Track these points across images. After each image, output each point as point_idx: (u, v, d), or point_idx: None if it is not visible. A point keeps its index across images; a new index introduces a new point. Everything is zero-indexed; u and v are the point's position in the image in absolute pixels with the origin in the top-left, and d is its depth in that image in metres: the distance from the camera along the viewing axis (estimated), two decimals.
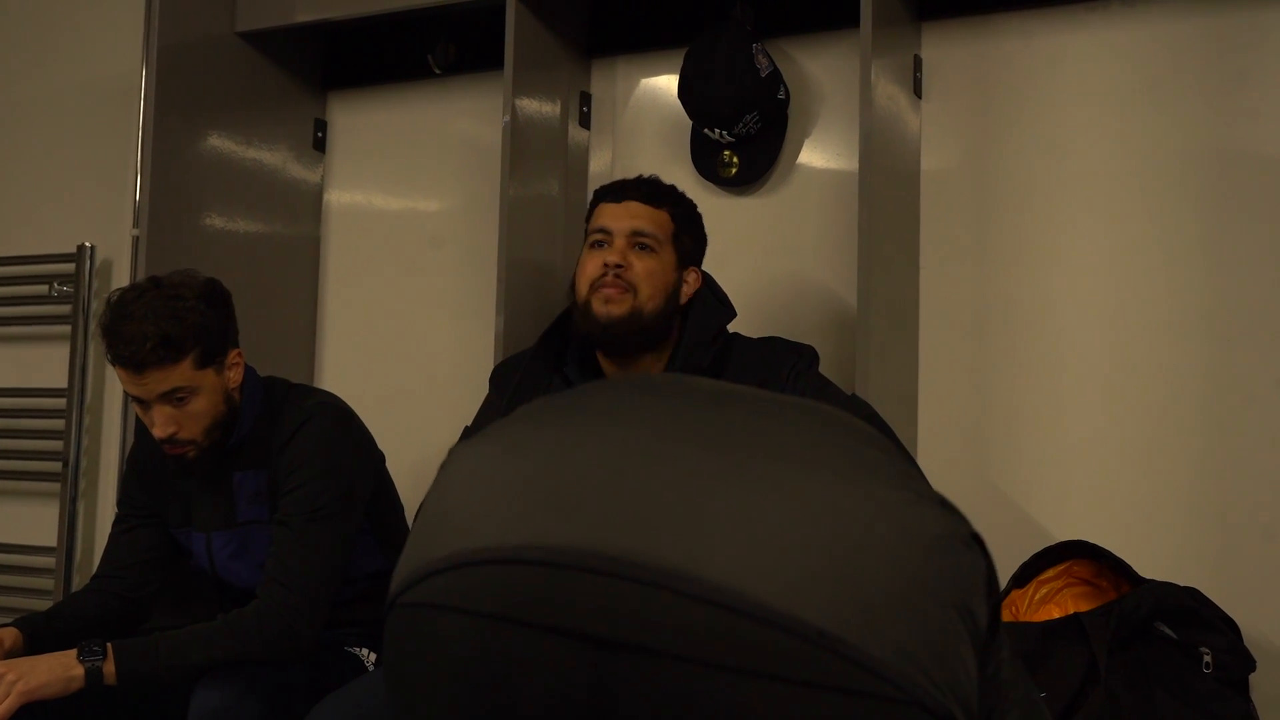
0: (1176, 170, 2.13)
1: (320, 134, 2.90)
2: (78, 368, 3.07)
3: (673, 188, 2.07)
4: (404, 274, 2.81)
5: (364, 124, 2.90)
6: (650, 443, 0.97)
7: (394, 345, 2.80)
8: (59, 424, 3.07)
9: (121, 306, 2.01)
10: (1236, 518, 2.04)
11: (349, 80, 2.91)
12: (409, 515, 2.33)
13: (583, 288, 2.00)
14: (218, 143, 2.71)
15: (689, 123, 2.45)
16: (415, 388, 2.73)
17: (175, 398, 2.00)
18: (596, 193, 2.10)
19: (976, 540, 1.02)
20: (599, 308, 1.97)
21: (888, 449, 1.05)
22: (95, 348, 3.07)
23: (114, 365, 2.00)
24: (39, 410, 3.14)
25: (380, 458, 2.27)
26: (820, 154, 2.40)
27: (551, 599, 0.91)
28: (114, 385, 3.06)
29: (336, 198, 2.92)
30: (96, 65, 3.22)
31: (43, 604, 3.03)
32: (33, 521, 3.12)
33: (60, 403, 3.08)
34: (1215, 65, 2.11)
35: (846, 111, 2.31)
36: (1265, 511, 2.02)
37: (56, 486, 3.07)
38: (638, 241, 1.99)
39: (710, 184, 2.45)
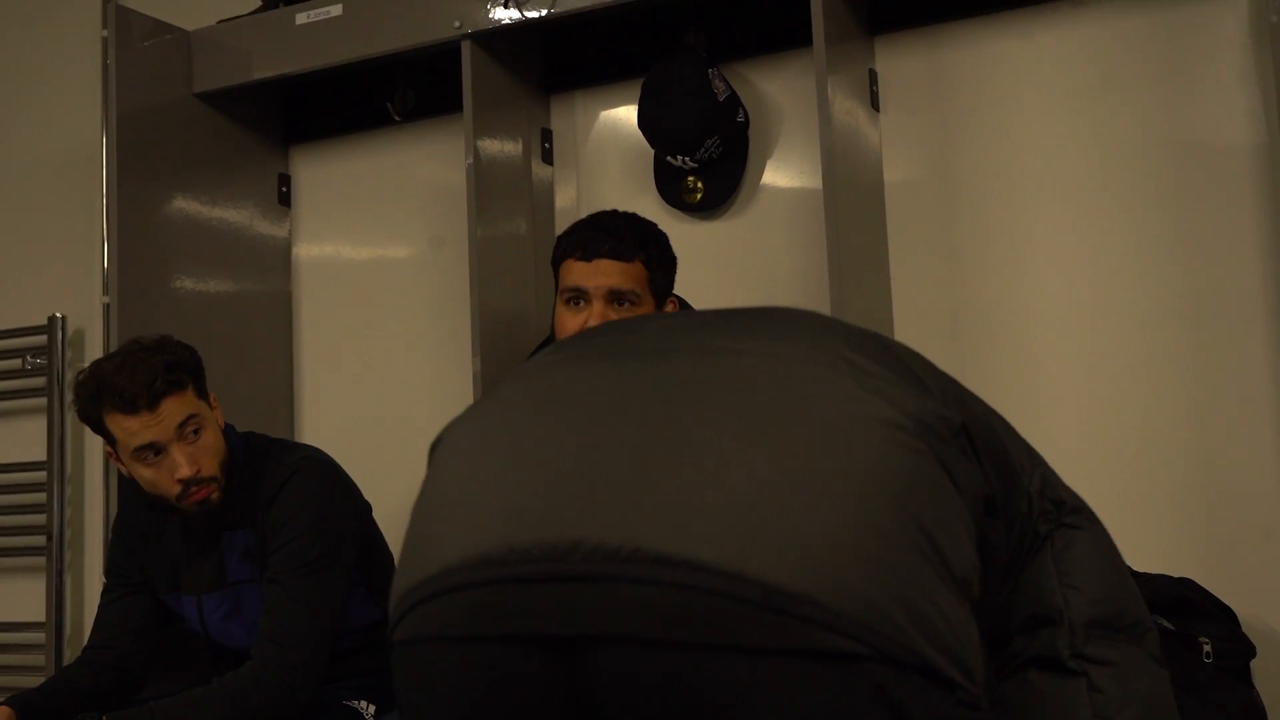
0: (1138, 163, 2.15)
1: (285, 189, 2.90)
2: (56, 439, 3.05)
3: (636, 226, 2.04)
4: (377, 322, 2.81)
5: (328, 176, 2.89)
6: (589, 427, 0.98)
7: (372, 395, 2.79)
8: (40, 497, 3.05)
9: (112, 360, 2.04)
10: (1225, 505, 2.05)
11: (310, 133, 2.91)
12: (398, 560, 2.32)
13: None
14: (183, 204, 2.71)
15: (651, 151, 2.46)
16: (396, 436, 2.71)
17: (191, 430, 2.02)
18: (562, 243, 2.05)
19: (957, 433, 0.98)
20: None
21: (845, 349, 1.01)
22: (73, 418, 3.04)
23: (126, 416, 1.98)
24: (19, 485, 3.12)
25: (366, 508, 2.26)
26: (783, 174, 2.41)
27: (514, 611, 0.93)
28: (94, 454, 3.04)
29: (305, 251, 2.92)
30: (57, 135, 3.22)
31: (34, 681, 2.99)
32: (19, 597, 3.09)
33: (41, 475, 3.06)
34: (1167, 57, 2.13)
35: (806, 130, 2.33)
36: (1253, 497, 2.03)
37: (42, 560, 3.04)
38: (618, 299, 1.97)
39: (676, 210, 2.45)
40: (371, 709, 2.16)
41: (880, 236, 2.27)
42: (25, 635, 3.06)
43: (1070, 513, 1.13)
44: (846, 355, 1.00)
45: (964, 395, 1.09)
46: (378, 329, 2.80)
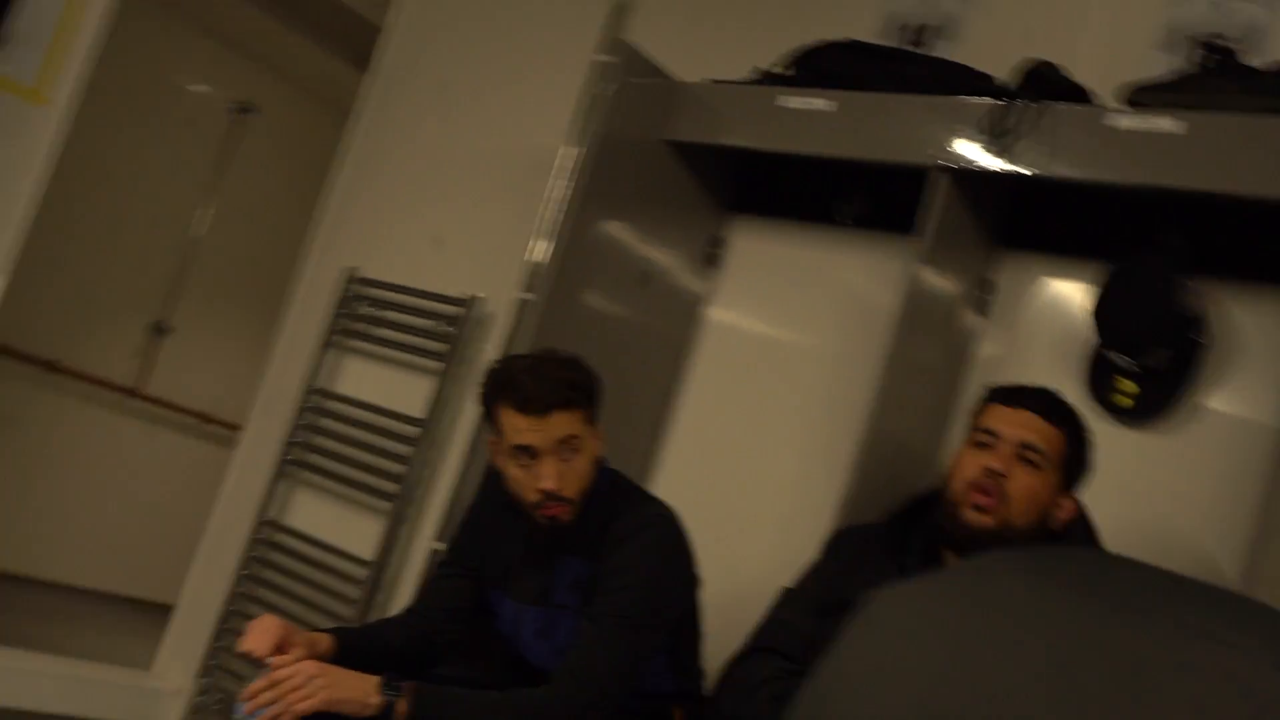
0: None
1: (715, 250, 2.99)
2: (439, 403, 3.27)
3: (1072, 407, 2.00)
4: (762, 405, 2.83)
5: (759, 251, 2.96)
6: (1050, 666, 0.92)
7: (733, 470, 2.82)
8: (408, 450, 3.28)
9: (525, 360, 2.18)
10: None
11: (753, 206, 2.98)
12: (706, 642, 2.33)
13: (958, 487, 1.95)
14: (620, 234, 2.83)
15: (1087, 338, 2.36)
16: (743, 517, 2.73)
17: (568, 448, 2.11)
18: (991, 392, 2.05)
19: None
20: (970, 515, 1.92)
21: None
22: (457, 387, 3.26)
23: (517, 413, 2.10)
24: (394, 433, 3.35)
25: (697, 581, 2.28)
26: (1228, 407, 2.25)
27: None
28: (463, 425, 3.24)
29: (717, 314, 2.98)
30: (526, 135, 3.45)
31: (346, 610, 3.23)
32: (359, 532, 3.33)
33: (414, 431, 3.28)
34: None
35: (1268, 370, 2.17)
36: None
37: (389, 506, 3.26)
38: (1025, 455, 1.93)
39: (1098, 407, 2.34)
40: None
41: None
42: (352, 567, 3.29)
43: None
44: None
45: None
46: (760, 412, 2.83)
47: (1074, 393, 2.34)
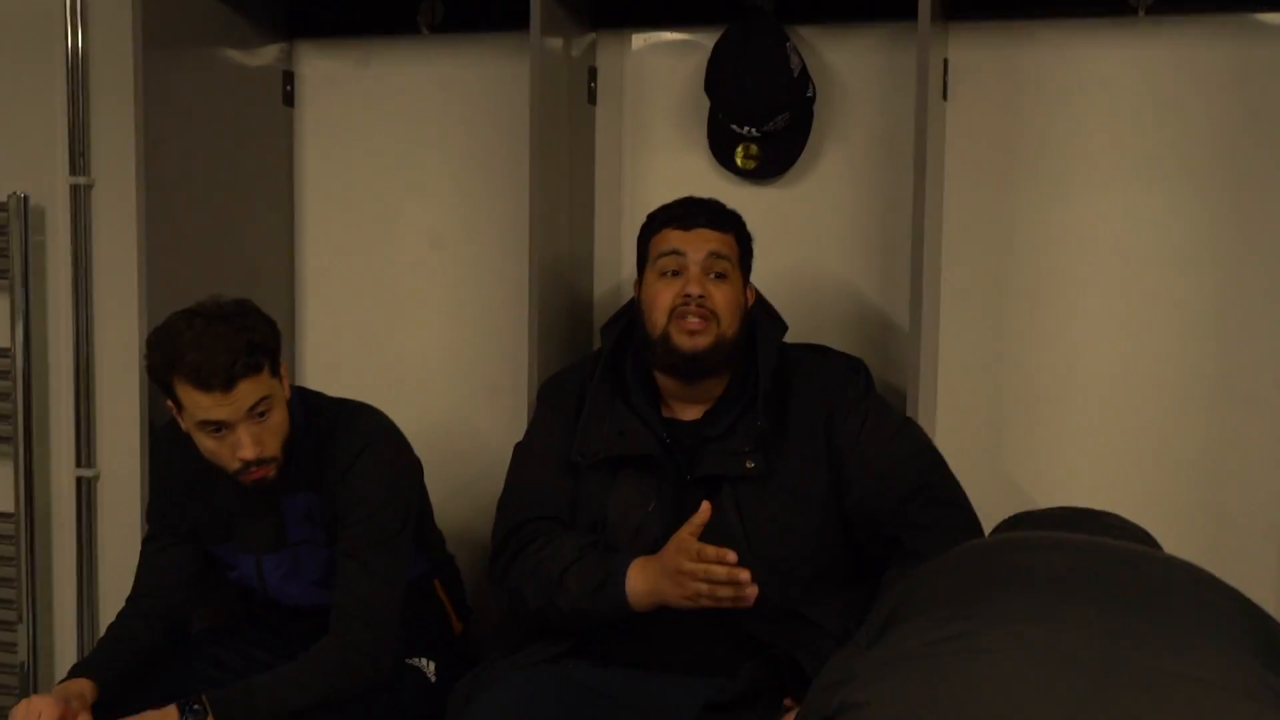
0: (1185, 179, 2.25)
1: (289, 87, 2.71)
2: (19, 323, 2.87)
3: (730, 210, 2.11)
4: (398, 246, 2.71)
5: (337, 78, 2.71)
6: (1052, 672, 1.05)
7: (390, 321, 2.72)
8: (5, 385, 2.90)
9: (190, 326, 1.96)
10: (1235, 511, 2.24)
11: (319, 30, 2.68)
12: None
13: (659, 318, 2.02)
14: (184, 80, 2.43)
15: (702, 102, 2.41)
16: (402, 377, 2.68)
17: (259, 412, 1.98)
18: (656, 216, 2.09)
19: None
20: (682, 340, 2.00)
21: (1264, 670, 1.07)
22: (36, 301, 2.88)
23: (198, 391, 1.93)
24: None
25: (421, 468, 2.27)
26: (842, 147, 2.39)
27: None
28: (59, 341, 2.90)
29: (309, 155, 2.74)
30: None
31: (7, 570, 2.94)
32: None
33: (5, 362, 2.90)
34: (1230, 94, 2.21)
35: (868, 106, 2.35)
36: (1265, 506, 2.22)
37: (9, 449, 2.91)
38: (714, 269, 2.02)
39: (728, 173, 2.43)
40: (431, 666, 2.23)
41: (935, 225, 2.29)
42: None
43: None
44: (1270, 681, 1.05)
45: None
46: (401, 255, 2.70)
47: (701, 160, 2.44)
